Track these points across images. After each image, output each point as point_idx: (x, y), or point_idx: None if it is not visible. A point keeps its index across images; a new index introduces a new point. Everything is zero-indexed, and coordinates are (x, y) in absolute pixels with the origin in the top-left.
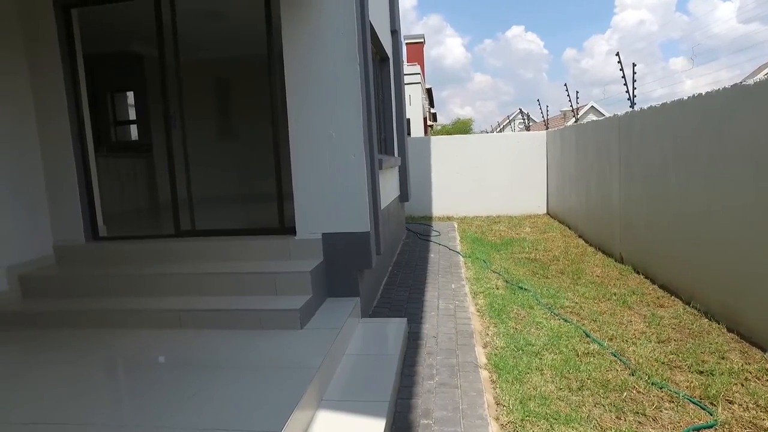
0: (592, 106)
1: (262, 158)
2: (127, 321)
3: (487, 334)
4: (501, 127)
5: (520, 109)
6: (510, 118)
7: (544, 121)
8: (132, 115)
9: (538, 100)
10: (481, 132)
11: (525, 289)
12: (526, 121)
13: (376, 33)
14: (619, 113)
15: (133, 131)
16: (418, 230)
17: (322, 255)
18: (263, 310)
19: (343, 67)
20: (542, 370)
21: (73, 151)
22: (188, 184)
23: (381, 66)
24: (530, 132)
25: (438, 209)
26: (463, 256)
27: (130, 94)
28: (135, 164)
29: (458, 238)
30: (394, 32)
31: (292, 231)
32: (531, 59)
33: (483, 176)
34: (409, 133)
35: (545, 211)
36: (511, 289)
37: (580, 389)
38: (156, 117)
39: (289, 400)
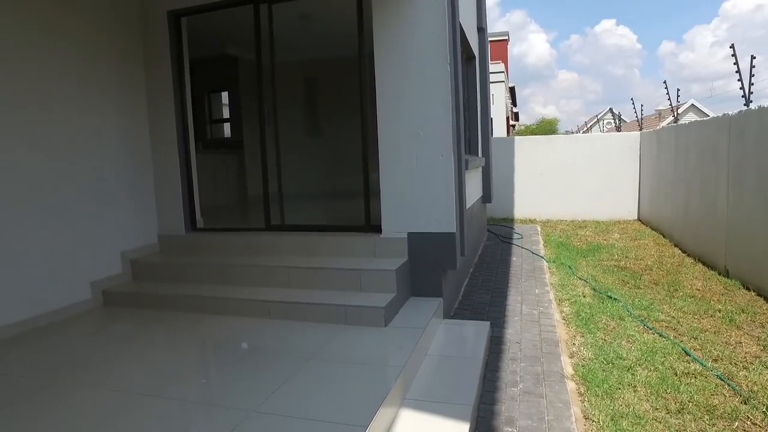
0: (692, 105)
1: (347, 156)
2: (220, 308)
3: (574, 344)
4: (587, 127)
5: (611, 109)
6: (598, 118)
7: (637, 120)
8: (225, 113)
9: (632, 99)
10: (566, 132)
11: (614, 299)
12: (617, 121)
13: (464, 32)
14: (729, 112)
15: (226, 129)
16: (500, 232)
17: (407, 254)
18: (348, 306)
19: (434, 67)
20: (635, 386)
21: (178, 149)
22: (279, 180)
23: (467, 65)
24: (622, 133)
25: (520, 211)
26: (546, 261)
27: (224, 94)
28: (227, 160)
29: (542, 242)
30: (481, 30)
31: (377, 229)
32: (622, 55)
33: (568, 179)
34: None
35: (636, 217)
36: (599, 297)
37: (680, 412)
38: (248, 115)
39: (374, 397)
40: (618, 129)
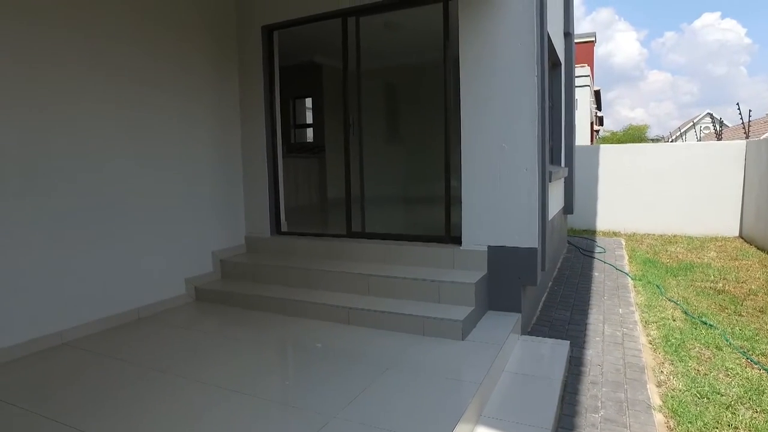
0: None
1: (427, 162)
2: (302, 310)
3: (662, 372)
4: (681, 132)
5: (710, 113)
6: (694, 123)
7: (742, 125)
8: (308, 118)
9: (738, 105)
10: (656, 138)
11: (710, 326)
12: (717, 126)
13: (550, 38)
14: None
15: (309, 133)
16: (581, 245)
17: (486, 267)
18: (426, 317)
19: (520, 79)
20: (737, 428)
21: (266, 155)
22: (362, 188)
23: (552, 72)
24: (723, 142)
25: (603, 223)
26: (632, 278)
27: (308, 100)
28: (309, 164)
29: (626, 257)
30: (567, 35)
31: (457, 240)
32: (725, 51)
33: (657, 190)
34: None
35: (737, 234)
36: (691, 323)
37: None
38: (330, 120)
39: (452, 412)
40: (718, 135)
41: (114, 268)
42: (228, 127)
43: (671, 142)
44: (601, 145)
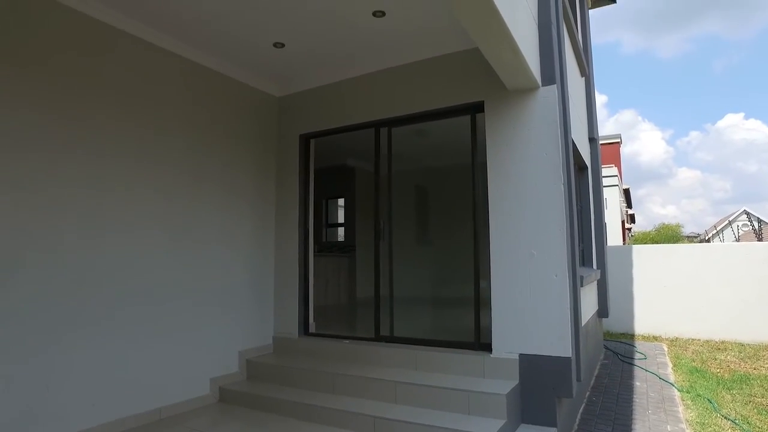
0: None
1: (456, 265)
2: (328, 417)
3: None
4: (718, 230)
5: (746, 211)
6: (729, 221)
7: None
8: (340, 217)
9: None
10: (691, 235)
11: None
12: (756, 224)
13: (575, 145)
14: None
15: (340, 232)
16: (619, 350)
17: (518, 377)
18: (456, 431)
19: (547, 187)
20: None
21: (298, 255)
22: (391, 290)
23: (579, 175)
24: (765, 243)
25: (641, 327)
26: (678, 390)
27: (341, 200)
28: (339, 263)
29: (670, 364)
30: (592, 140)
31: (487, 347)
32: (754, 149)
33: (698, 292)
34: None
35: None
36: None
37: None
38: (361, 221)
39: None
40: (758, 234)
41: (139, 365)
42: (263, 226)
43: (708, 240)
44: (634, 246)
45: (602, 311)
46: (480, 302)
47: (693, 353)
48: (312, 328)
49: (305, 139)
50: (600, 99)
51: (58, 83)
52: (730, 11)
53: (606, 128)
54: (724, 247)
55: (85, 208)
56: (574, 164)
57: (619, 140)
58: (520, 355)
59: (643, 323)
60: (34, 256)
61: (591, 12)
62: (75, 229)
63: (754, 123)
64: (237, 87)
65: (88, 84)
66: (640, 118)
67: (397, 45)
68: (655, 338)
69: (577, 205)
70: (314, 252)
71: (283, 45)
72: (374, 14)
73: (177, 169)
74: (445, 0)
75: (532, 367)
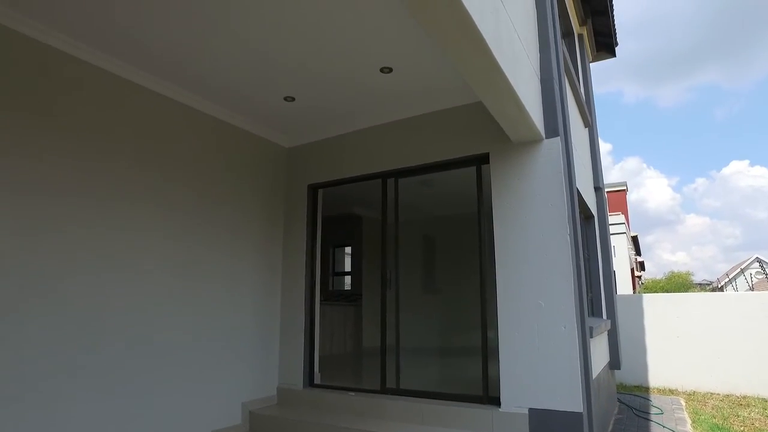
0: None
1: (463, 314)
2: None
3: None
4: (730, 278)
5: (758, 258)
6: (742, 268)
7: None
8: (347, 265)
9: None
10: (704, 282)
11: None
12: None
13: (581, 195)
14: None
15: (346, 280)
16: (633, 404)
17: None
18: None
19: (553, 237)
20: None
21: (304, 304)
22: (397, 340)
23: (586, 224)
24: None
25: (656, 379)
26: None
27: (348, 248)
28: (345, 312)
29: (688, 420)
30: (598, 189)
31: (496, 401)
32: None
33: (716, 343)
34: (615, 290)
35: None
36: None
37: None
38: (368, 269)
39: None
40: None
41: (141, 416)
42: (270, 275)
43: (721, 288)
44: (644, 294)
45: (614, 363)
46: (488, 353)
47: (713, 408)
48: (317, 379)
49: (313, 189)
50: (604, 147)
51: (77, 135)
52: (727, 61)
53: (611, 175)
54: (738, 297)
55: (93, 254)
56: (580, 213)
57: (625, 188)
58: (530, 409)
59: (658, 375)
60: (39, 302)
61: (592, 65)
62: (82, 275)
63: (759, 170)
64: (247, 138)
65: (105, 135)
66: (645, 165)
67: (403, 99)
68: (671, 391)
69: (584, 254)
70: (320, 300)
71: (293, 99)
72: (381, 70)
73: (187, 217)
74: (450, 58)
75: (542, 422)
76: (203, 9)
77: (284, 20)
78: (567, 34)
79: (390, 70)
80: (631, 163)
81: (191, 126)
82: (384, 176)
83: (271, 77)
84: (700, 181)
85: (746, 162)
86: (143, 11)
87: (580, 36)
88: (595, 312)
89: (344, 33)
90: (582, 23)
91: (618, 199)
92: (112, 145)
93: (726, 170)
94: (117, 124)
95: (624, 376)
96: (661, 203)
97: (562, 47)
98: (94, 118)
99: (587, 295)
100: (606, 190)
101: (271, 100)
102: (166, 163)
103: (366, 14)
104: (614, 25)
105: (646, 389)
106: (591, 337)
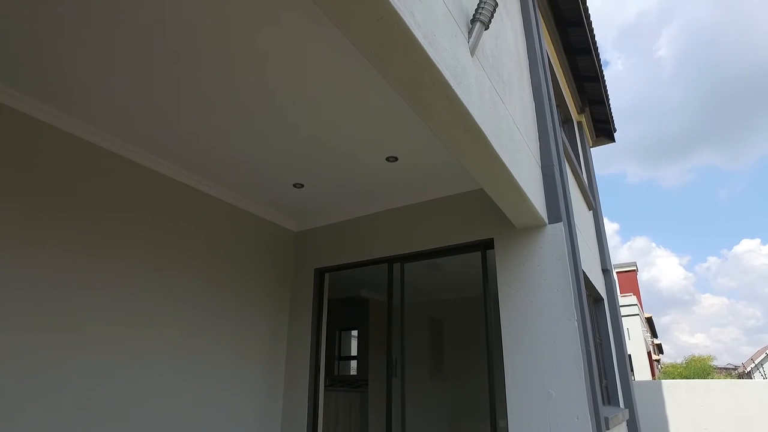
0: None
1: (472, 401)
2: None
3: None
4: (756, 363)
5: None
6: (767, 352)
7: None
8: (353, 348)
9: None
10: (729, 367)
11: None
12: None
13: (588, 278)
14: None
15: (353, 365)
16: None
17: None
18: None
19: (561, 323)
20: None
21: (308, 390)
22: (403, 429)
23: (595, 307)
24: None
25: None
26: None
27: (354, 332)
28: (351, 398)
29: None
30: (606, 271)
31: None
32: None
33: None
34: (632, 370)
35: None
36: None
37: None
38: (375, 354)
39: None
40: None
41: None
42: (274, 359)
43: (748, 373)
44: (664, 381)
45: None
46: None
47: None
48: None
49: (320, 273)
50: (611, 227)
51: (86, 225)
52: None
53: (620, 255)
54: (766, 385)
55: (97, 344)
56: (589, 296)
57: (635, 268)
58: None
59: None
60: (41, 390)
61: (593, 149)
62: (84, 364)
63: None
64: (256, 222)
65: (118, 224)
66: (653, 244)
67: (409, 186)
68: None
69: (596, 338)
70: (325, 386)
71: (302, 186)
72: (387, 159)
73: (193, 306)
74: (451, 152)
75: None
76: (224, 106)
77: (295, 114)
78: (566, 121)
79: (396, 159)
80: (640, 242)
81: (201, 210)
82: (390, 261)
83: (282, 165)
84: (712, 260)
85: (758, 241)
86: (169, 108)
87: (579, 123)
88: (611, 400)
89: (352, 127)
90: (580, 111)
91: (629, 279)
92: (121, 235)
93: (738, 248)
94: (128, 211)
95: None
96: (675, 283)
97: (562, 135)
98: (111, 204)
99: (601, 383)
100: (616, 270)
101: (281, 186)
102: (176, 249)
103: (373, 110)
104: (611, 113)
105: None
106: (607, 429)
